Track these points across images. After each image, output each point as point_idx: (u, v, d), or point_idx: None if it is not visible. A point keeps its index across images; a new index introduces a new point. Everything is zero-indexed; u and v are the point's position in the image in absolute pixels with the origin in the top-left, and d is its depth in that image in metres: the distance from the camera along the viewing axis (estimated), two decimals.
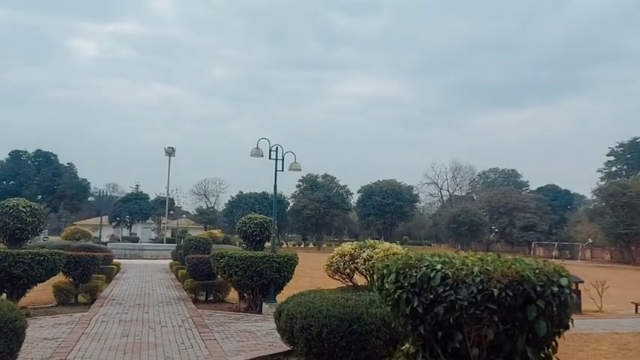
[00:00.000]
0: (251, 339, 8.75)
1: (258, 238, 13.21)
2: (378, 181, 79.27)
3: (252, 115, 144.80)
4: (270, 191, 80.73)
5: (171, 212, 61.07)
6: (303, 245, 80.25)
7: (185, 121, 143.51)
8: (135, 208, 68.31)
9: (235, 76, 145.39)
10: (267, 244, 14.28)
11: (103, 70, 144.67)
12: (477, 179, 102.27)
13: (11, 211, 10.87)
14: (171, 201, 61.68)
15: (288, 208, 76.94)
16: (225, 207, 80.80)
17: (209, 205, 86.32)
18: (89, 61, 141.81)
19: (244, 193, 77.85)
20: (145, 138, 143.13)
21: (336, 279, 7.77)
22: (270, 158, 13.33)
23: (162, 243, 45.52)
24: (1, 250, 10.44)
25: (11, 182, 68.19)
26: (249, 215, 13.71)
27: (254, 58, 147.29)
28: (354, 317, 6.08)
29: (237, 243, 42.32)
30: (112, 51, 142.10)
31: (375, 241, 7.77)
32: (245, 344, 8.28)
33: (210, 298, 14.72)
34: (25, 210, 11.02)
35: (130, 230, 70.05)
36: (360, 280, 7.60)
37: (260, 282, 11.90)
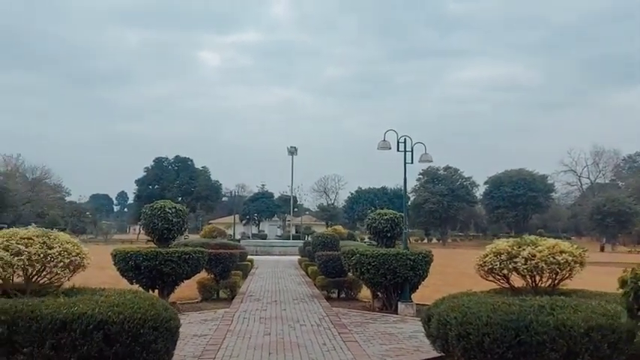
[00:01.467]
0: (393, 342, 8.25)
1: (389, 235, 12.69)
2: (506, 170, 74.41)
3: (366, 111, 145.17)
4: (390, 186, 79.99)
5: (295, 210, 63.05)
6: (426, 241, 78.13)
7: (303, 121, 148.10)
8: (262, 206, 71.85)
9: (348, 73, 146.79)
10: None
11: (226, 79, 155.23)
12: (622, 164, 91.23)
13: (159, 212, 11.56)
14: (294, 199, 63.66)
15: (409, 203, 75.38)
16: (344, 203, 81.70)
17: (329, 202, 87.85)
18: (214, 71, 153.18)
19: (363, 188, 77.98)
20: (268, 139, 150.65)
21: (490, 280, 6.94)
22: (398, 150, 12.72)
23: (289, 240, 47.08)
24: (152, 250, 11.14)
25: (156, 186, 75.66)
26: (379, 211, 13.23)
27: (366, 54, 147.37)
28: (521, 325, 5.26)
29: (360, 239, 42.26)
30: (233, 60, 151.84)
31: (536, 237, 6.80)
32: (388, 348, 7.81)
33: (342, 295, 14.52)
34: (170, 211, 11.67)
35: (259, 228, 73.82)
36: (516, 281, 6.71)
37: (394, 280, 11.39)
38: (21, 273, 5.80)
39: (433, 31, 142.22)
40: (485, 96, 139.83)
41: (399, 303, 11.54)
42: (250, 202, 74.42)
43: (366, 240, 52.24)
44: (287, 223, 71.31)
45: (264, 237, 56.77)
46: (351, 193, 79.52)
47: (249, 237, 58.89)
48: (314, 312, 11.34)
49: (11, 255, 5.54)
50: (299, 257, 27.07)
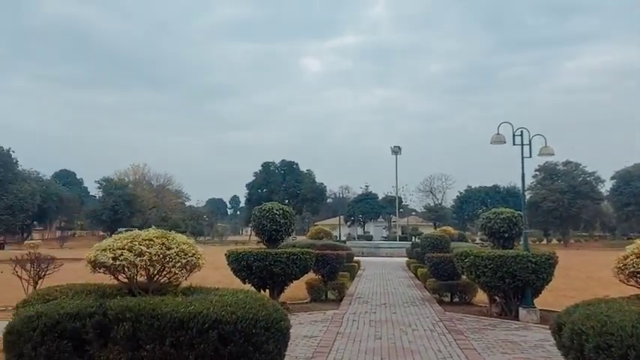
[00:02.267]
0: (517, 351, 7.53)
1: (506, 235, 11.75)
2: (636, 164, 66.70)
3: (472, 107, 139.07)
4: (502, 184, 75.71)
5: (401, 210, 62.02)
6: (545, 242, 72.63)
7: (405, 120, 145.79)
8: (366, 207, 71.73)
9: (452, 68, 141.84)
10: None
11: (328, 83, 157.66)
12: None
13: (267, 214, 11.83)
14: (400, 199, 62.65)
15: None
16: (453, 203, 78.77)
17: (436, 202, 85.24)
18: (316, 76, 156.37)
19: (472, 187, 74.56)
20: (371, 140, 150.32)
21: (631, 285, 6.04)
22: (514, 144, 11.77)
23: (395, 241, 46.35)
24: (262, 250, 11.40)
25: (264, 190, 78.88)
26: (494, 210, 12.33)
27: (471, 47, 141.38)
28: None
29: (470, 240, 40.33)
30: (334, 64, 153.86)
31: None
32: (512, 358, 7.13)
33: (455, 299, 13.77)
34: (278, 212, 11.88)
35: (364, 229, 73.79)
36: None
37: (513, 284, 10.51)
38: (143, 273, 6.12)
39: (543, 18, 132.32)
40: (607, 84, 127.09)
41: (520, 308, 10.65)
42: (355, 204, 74.68)
43: (478, 241, 49.96)
44: (392, 224, 70.41)
45: (370, 238, 56.51)
46: (460, 193, 76.55)
47: (354, 238, 59.01)
48: (426, 316, 10.84)
49: (134, 255, 5.85)
50: (407, 259, 26.42)
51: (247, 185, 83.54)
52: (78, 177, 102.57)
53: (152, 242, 6.08)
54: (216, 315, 5.36)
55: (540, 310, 10.67)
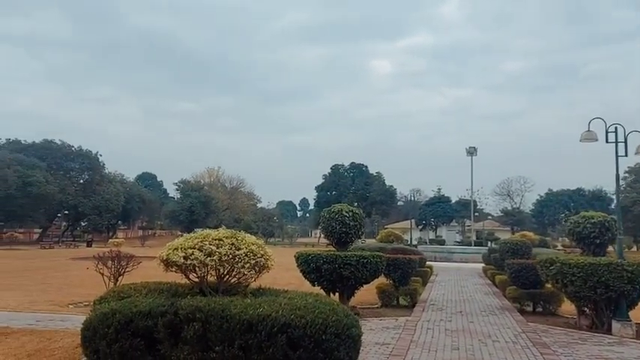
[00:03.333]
0: None
1: (597, 241, 10.74)
2: None
3: (551, 105, 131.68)
4: (587, 187, 70.84)
5: (476, 214, 59.67)
6: (635, 248, 67.01)
7: (479, 120, 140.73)
8: (438, 211, 69.73)
9: (530, 66, 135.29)
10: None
11: (398, 85, 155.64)
12: None
13: (337, 216, 11.61)
14: (474, 203, 60.32)
15: (612, 205, 65.61)
16: (532, 207, 74.77)
17: (514, 206, 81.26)
18: (386, 77, 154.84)
19: (554, 190, 70.39)
20: (443, 142, 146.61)
21: None
22: (607, 142, 10.75)
23: (470, 246, 44.61)
24: (332, 253, 11.18)
25: (333, 192, 78.99)
26: (583, 213, 11.32)
27: (550, 43, 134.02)
28: None
29: (552, 246, 37.90)
30: (405, 65, 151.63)
31: None
32: None
33: (538, 309, 12.82)
34: (347, 215, 11.62)
35: (436, 233, 71.80)
36: None
37: (606, 295, 9.59)
38: (213, 272, 6.08)
39: (629, 11, 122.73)
40: None
41: (614, 321, 9.69)
42: (426, 207, 72.85)
43: (559, 247, 46.94)
44: (466, 228, 67.96)
45: (442, 242, 54.81)
46: (540, 196, 72.44)
47: (426, 242, 57.54)
48: (506, 326, 10.11)
49: (205, 255, 5.82)
50: (483, 265, 25.22)
51: (316, 188, 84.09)
52: (158, 179, 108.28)
53: (222, 242, 6.02)
54: (285, 319, 5.19)
55: (637, 323, 9.64)
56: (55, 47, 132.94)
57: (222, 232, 6.29)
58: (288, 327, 5.13)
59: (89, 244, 50.93)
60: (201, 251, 5.85)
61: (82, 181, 67.02)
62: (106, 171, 70.72)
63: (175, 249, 5.95)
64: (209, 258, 5.80)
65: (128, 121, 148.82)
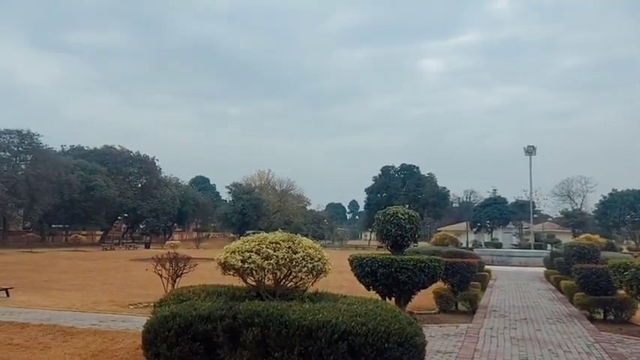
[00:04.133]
0: None
1: None
2: None
3: (612, 102, 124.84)
4: None
5: (535, 216, 57.25)
6: None
7: (535, 119, 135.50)
8: (494, 213, 67.51)
9: (589, 61, 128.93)
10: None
11: (449, 83, 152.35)
12: None
13: (392, 218, 11.29)
14: (533, 204, 57.92)
15: None
16: (595, 208, 71.03)
17: (575, 207, 77.52)
18: (436, 76, 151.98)
19: (619, 190, 66.56)
20: (497, 142, 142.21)
21: None
22: None
23: (529, 249, 42.80)
24: (387, 257, 10.88)
25: (384, 194, 78.08)
26: None
27: (611, 37, 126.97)
28: None
29: (619, 249, 35.80)
30: (456, 63, 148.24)
31: None
32: None
33: (610, 317, 11.96)
34: (403, 217, 11.28)
35: (491, 235, 69.52)
36: None
37: None
38: (271, 276, 5.97)
39: None
40: None
41: None
42: (481, 209, 70.66)
43: (625, 250, 44.22)
44: (524, 230, 65.37)
45: (499, 246, 52.89)
46: (603, 197, 68.60)
47: (481, 245, 55.75)
48: (577, 335, 9.47)
49: (262, 259, 5.72)
50: (544, 269, 24.05)
51: (366, 190, 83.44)
52: (211, 182, 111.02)
53: (279, 245, 5.91)
54: (346, 325, 4.99)
55: None
56: (115, 57, 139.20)
57: (278, 235, 6.18)
58: (348, 334, 4.94)
59: (147, 246, 52.75)
60: (259, 255, 5.76)
61: (139, 185, 69.61)
62: (162, 175, 73.16)
63: (233, 252, 5.89)
64: (266, 261, 5.70)
65: (182, 126, 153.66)
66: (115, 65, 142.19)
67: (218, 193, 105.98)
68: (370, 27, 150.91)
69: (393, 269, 10.43)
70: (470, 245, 52.08)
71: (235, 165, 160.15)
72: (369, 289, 11.12)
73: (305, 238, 6.36)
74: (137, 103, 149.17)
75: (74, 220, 60.84)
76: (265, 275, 5.94)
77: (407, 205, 72.93)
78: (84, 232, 65.36)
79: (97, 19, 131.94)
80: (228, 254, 5.90)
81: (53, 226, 62.32)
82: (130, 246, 54.85)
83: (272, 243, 5.93)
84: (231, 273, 5.97)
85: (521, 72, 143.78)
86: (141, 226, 74.49)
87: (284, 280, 6.08)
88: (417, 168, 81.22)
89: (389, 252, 11.76)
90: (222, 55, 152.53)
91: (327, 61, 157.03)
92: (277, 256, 5.73)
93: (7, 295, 13.26)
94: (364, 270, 10.85)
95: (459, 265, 12.98)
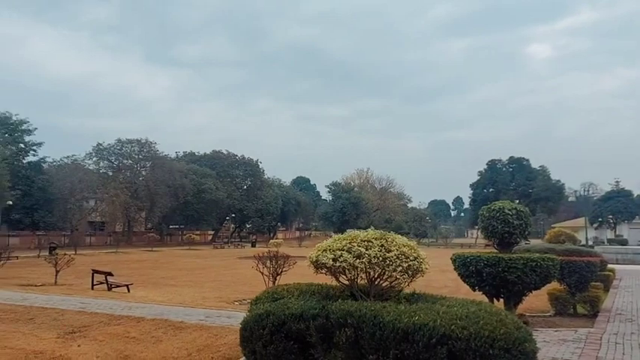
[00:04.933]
0: None
1: None
2: None
3: None
4: None
5: None
6: None
7: None
8: (617, 206, 61.34)
9: None
10: None
11: (560, 69, 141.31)
12: None
13: (498, 214, 10.56)
14: None
15: None
16: None
17: None
18: (544, 62, 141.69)
19: None
20: (616, 129, 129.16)
21: None
22: None
23: None
24: (494, 255, 10.18)
25: (490, 190, 74.42)
26: None
27: None
28: None
29: None
30: (566, 47, 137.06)
31: None
32: None
33: None
34: (510, 212, 10.50)
35: (615, 232, 63.18)
36: None
37: None
38: (364, 276, 5.77)
39: None
40: None
41: None
42: (602, 202, 64.46)
43: None
44: None
45: (624, 242, 47.85)
46: None
47: (603, 242, 50.81)
48: None
49: (353, 257, 5.53)
50: None
51: (471, 185, 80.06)
52: (312, 182, 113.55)
53: (371, 243, 5.68)
54: (445, 329, 4.64)
55: None
56: (219, 67, 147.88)
57: (370, 232, 5.95)
58: (448, 338, 4.59)
59: (253, 245, 55.16)
60: (350, 253, 5.57)
61: (245, 186, 73.12)
62: (266, 177, 76.16)
63: (324, 250, 5.77)
64: (358, 260, 5.50)
65: (283, 128, 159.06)
66: (220, 74, 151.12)
67: (318, 192, 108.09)
68: (467, 17, 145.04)
69: (500, 269, 9.74)
70: (590, 242, 47.68)
71: (335, 165, 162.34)
72: (474, 290, 10.50)
73: (399, 235, 6.05)
74: (241, 109, 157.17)
75: (188, 220, 65.47)
76: (358, 274, 5.75)
77: (517, 201, 68.66)
78: (197, 232, 70.09)
79: (202, 32, 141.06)
80: (319, 252, 5.80)
81: (170, 226, 67.60)
82: (238, 245, 57.76)
83: (364, 241, 5.71)
84: (324, 272, 5.86)
85: None
86: (247, 226, 78.22)
87: (378, 280, 5.85)
88: (527, 160, 76.37)
89: (496, 250, 11.02)
90: (321, 57, 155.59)
91: (426, 56, 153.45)
92: (369, 255, 5.50)
93: (128, 290, 14.47)
94: (468, 269, 10.25)
95: (576, 264, 11.82)
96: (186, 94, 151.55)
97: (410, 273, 5.71)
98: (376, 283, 5.88)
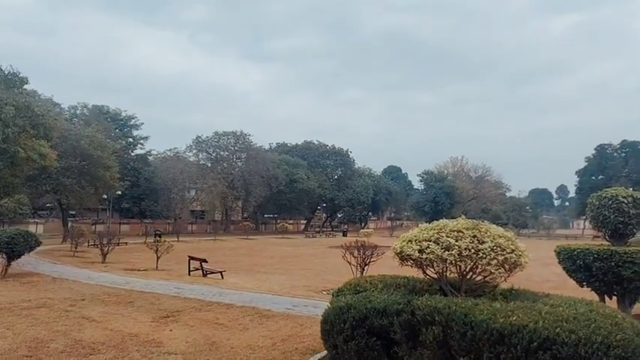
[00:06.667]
0: None
1: None
2: None
3: None
4: None
5: None
6: None
7: None
8: None
9: None
10: None
11: None
12: None
13: (610, 202, 9.49)
14: None
15: None
16: None
17: None
18: None
19: None
20: None
21: None
22: None
23: None
24: (605, 248, 9.13)
25: (600, 177, 68.31)
26: None
27: None
28: None
29: None
30: None
31: None
32: None
33: None
34: (625, 200, 9.39)
35: None
36: None
37: None
38: (453, 269, 5.29)
39: None
40: None
41: None
42: None
43: None
44: None
45: None
46: None
47: None
48: None
49: (442, 249, 5.08)
50: None
51: (577, 172, 73.90)
52: (403, 172, 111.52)
53: (462, 234, 5.18)
54: (548, 332, 4.07)
55: None
56: (310, 59, 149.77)
57: (461, 222, 5.45)
58: (552, 343, 4.02)
59: (344, 234, 55.39)
60: (438, 244, 5.13)
61: (336, 176, 73.47)
62: (356, 166, 75.96)
63: (409, 241, 5.38)
64: (447, 252, 5.04)
65: (374, 118, 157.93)
66: (311, 66, 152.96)
67: (410, 182, 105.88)
68: None
69: (613, 263, 8.73)
70: None
71: (428, 153, 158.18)
72: (581, 286, 9.55)
73: (494, 226, 5.49)
74: (331, 100, 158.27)
75: (281, 210, 67.27)
76: (447, 268, 5.29)
77: (631, 188, 62.17)
78: (290, 221, 71.85)
79: (292, 25, 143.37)
80: (404, 243, 5.41)
81: (265, 215, 69.92)
82: (330, 234, 58.35)
83: (453, 231, 5.23)
84: (409, 264, 5.47)
85: None
86: (339, 215, 78.72)
87: (470, 274, 5.34)
88: None
89: (607, 242, 9.88)
90: (412, 44, 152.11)
91: (523, 37, 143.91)
92: (460, 247, 5.02)
93: (222, 277, 15.00)
94: (575, 263, 9.31)
95: None
96: (278, 86, 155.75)
97: (507, 267, 5.15)
98: (468, 277, 5.38)
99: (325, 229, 66.72)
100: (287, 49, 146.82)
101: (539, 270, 17.23)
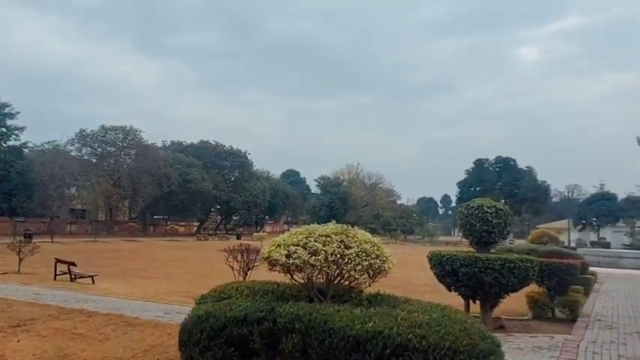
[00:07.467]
0: None
1: None
2: None
3: None
4: None
5: None
6: None
7: None
8: (601, 209, 61.55)
9: None
10: None
11: (548, 72, 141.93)
12: None
13: (476, 212, 10.10)
14: None
15: None
16: None
17: None
18: (533, 65, 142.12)
19: None
20: (603, 133, 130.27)
21: None
22: None
23: None
24: (471, 255, 9.71)
25: (477, 188, 74.30)
26: None
27: None
28: None
29: None
30: (555, 51, 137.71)
31: None
32: None
33: None
34: (489, 210, 10.04)
35: (598, 234, 63.43)
36: None
37: None
38: (321, 275, 5.23)
39: None
40: None
41: None
42: (586, 205, 64.65)
43: None
44: (637, 229, 58.81)
45: (607, 245, 47.97)
46: None
47: (586, 245, 50.90)
48: None
49: (308, 254, 4.99)
50: None
51: (458, 184, 79.92)
52: (302, 176, 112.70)
53: (329, 239, 5.14)
54: (402, 338, 4.11)
55: None
56: (210, 58, 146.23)
57: (331, 227, 5.42)
58: (404, 349, 4.07)
59: (239, 237, 54.39)
60: (306, 249, 5.03)
61: (232, 178, 72.10)
62: (254, 169, 75.22)
63: (278, 246, 5.23)
64: (313, 257, 4.96)
65: (273, 121, 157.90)
66: (211, 65, 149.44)
67: (308, 186, 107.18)
68: (459, 17, 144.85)
69: (477, 269, 9.27)
70: (573, 244, 47.70)
71: (326, 158, 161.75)
72: (450, 291, 10.06)
73: (362, 231, 5.52)
74: (231, 100, 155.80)
75: (173, 211, 64.48)
76: (315, 273, 5.21)
77: (503, 200, 68.61)
78: (182, 223, 69.14)
79: (193, 21, 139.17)
80: (272, 247, 5.25)
81: (155, 216, 66.52)
82: (223, 237, 56.96)
83: (322, 236, 5.18)
84: (277, 269, 5.31)
85: (632, 56, 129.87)
86: (234, 218, 77.27)
87: (338, 279, 5.32)
88: (514, 161, 76.43)
89: (473, 250, 10.56)
90: (313, 51, 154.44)
91: (417, 55, 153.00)
92: (326, 252, 4.97)
93: (93, 281, 13.84)
94: (444, 269, 9.78)
95: (556, 266, 11.40)
96: (177, 83, 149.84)
97: (371, 272, 5.19)
98: (335, 282, 5.35)
99: (219, 232, 65.09)
100: (188, 45, 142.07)
101: (418, 274, 18.11)
